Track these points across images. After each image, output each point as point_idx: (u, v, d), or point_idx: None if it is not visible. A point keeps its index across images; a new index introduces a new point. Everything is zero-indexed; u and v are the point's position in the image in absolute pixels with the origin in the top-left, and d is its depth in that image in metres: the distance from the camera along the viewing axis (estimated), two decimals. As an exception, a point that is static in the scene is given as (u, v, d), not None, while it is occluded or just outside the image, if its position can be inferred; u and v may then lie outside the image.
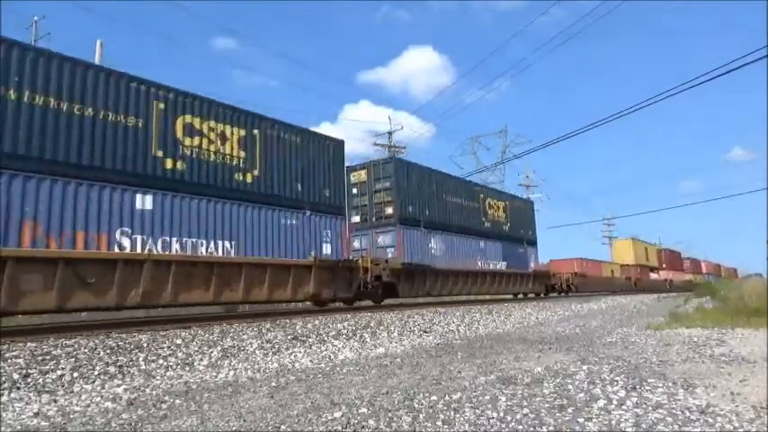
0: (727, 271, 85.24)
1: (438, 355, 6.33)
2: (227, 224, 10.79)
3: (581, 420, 3.11)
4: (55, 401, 4.24)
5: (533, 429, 2.98)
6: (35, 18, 24.92)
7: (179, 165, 10.22)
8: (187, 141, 10.44)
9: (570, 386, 4.05)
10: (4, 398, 4.33)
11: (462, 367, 5.20)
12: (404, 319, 10.78)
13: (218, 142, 11.01)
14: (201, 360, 6.11)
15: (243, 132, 11.57)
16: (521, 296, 24.59)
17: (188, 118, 10.51)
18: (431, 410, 3.44)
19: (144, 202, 9.53)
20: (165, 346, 6.66)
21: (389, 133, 40.13)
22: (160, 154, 9.94)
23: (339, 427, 3.13)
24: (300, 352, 6.88)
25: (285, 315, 11.70)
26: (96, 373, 5.27)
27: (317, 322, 9.58)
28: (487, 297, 22.00)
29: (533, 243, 25.43)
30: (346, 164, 15.25)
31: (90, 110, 8.96)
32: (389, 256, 15.75)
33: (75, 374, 5.14)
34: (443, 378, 4.61)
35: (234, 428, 3.22)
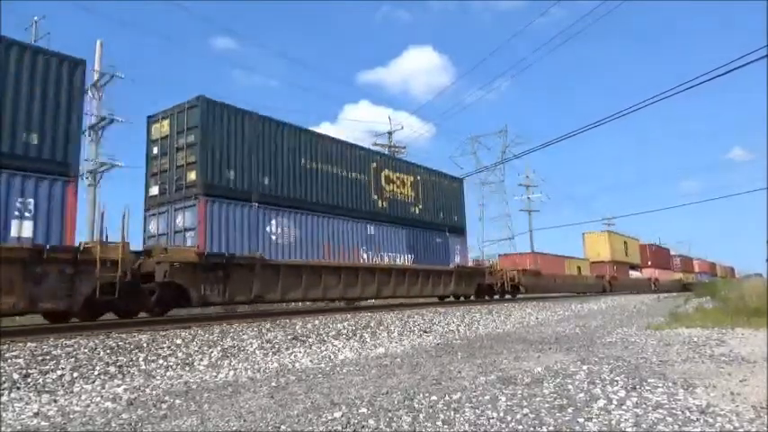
0: (724, 270, 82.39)
1: (438, 354, 6.33)
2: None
3: (581, 420, 3.11)
4: (55, 401, 4.24)
5: (533, 429, 2.98)
6: (35, 18, 24.92)
7: (383, 204, 16.15)
8: (387, 187, 16.50)
9: (570, 386, 4.05)
10: (4, 398, 4.33)
11: (462, 367, 5.20)
12: (404, 319, 10.78)
13: (401, 187, 17.21)
14: (201, 360, 6.11)
15: (412, 179, 17.83)
16: (462, 299, 19.65)
17: (386, 171, 16.68)
18: (431, 410, 3.44)
19: (370, 229, 15.51)
20: (165, 346, 6.66)
21: (389, 133, 40.13)
22: (375, 197, 15.90)
23: (339, 427, 3.13)
24: (300, 352, 6.87)
25: (285, 315, 11.70)
26: (96, 373, 5.27)
27: (316, 322, 9.58)
28: (379, 302, 17.59)
29: (460, 232, 20.06)
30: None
31: (341, 170, 14.83)
32: (189, 243, 11.08)
33: (75, 374, 5.14)
34: (443, 378, 4.61)
35: (234, 428, 3.22)
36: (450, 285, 18.22)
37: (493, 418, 3.22)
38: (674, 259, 56.39)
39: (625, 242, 42.02)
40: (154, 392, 4.55)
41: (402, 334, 8.94)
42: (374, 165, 16.07)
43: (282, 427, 3.20)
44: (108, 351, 6.16)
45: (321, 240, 13.70)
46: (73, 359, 5.66)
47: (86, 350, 6.12)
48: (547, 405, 3.48)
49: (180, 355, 6.26)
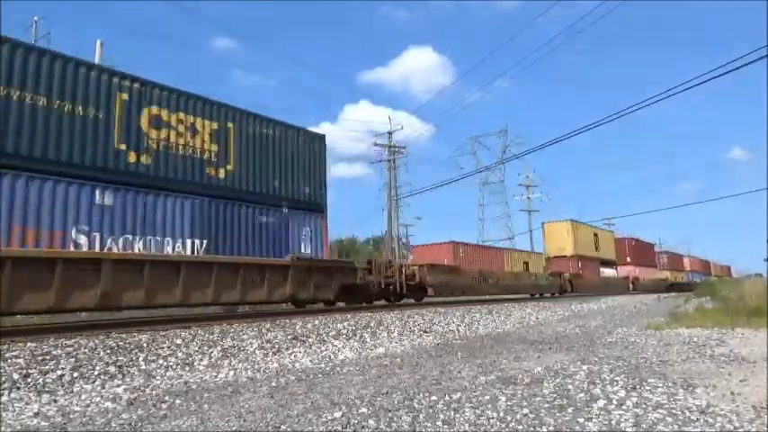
0: (720, 269, 78.33)
1: (438, 354, 6.33)
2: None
3: (581, 420, 3.11)
4: (55, 401, 4.25)
5: (533, 429, 2.98)
6: (35, 18, 24.91)
7: (141, 158, 9.73)
8: (154, 134, 10.02)
9: (570, 386, 4.05)
10: (4, 398, 4.33)
11: (462, 367, 5.20)
12: (404, 319, 10.78)
13: (188, 135, 10.61)
14: (201, 360, 6.11)
15: (215, 125, 11.23)
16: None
17: (153, 109, 10.07)
18: (431, 410, 3.44)
19: (104, 197, 9.06)
20: (165, 346, 6.66)
21: (389, 133, 40.15)
22: (121, 146, 9.47)
23: (339, 427, 3.13)
24: (300, 352, 6.88)
25: (285, 315, 11.70)
26: (96, 373, 5.27)
27: (316, 322, 9.58)
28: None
29: (316, 209, 13.53)
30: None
31: (43, 100, 8.47)
32: None
33: (75, 374, 5.14)
34: (443, 378, 4.61)
35: (234, 428, 3.22)
36: (286, 287, 11.78)
37: (493, 418, 3.22)
38: (660, 256, 51.38)
39: (595, 234, 35.98)
40: (154, 392, 4.55)
41: (402, 334, 8.94)
42: (124, 96, 9.68)
43: (282, 427, 3.20)
44: (108, 351, 6.16)
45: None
46: (73, 359, 5.67)
47: (86, 350, 6.12)
48: (547, 405, 3.48)
49: (180, 354, 6.26)
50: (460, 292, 20.70)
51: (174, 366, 5.76)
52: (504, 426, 3.06)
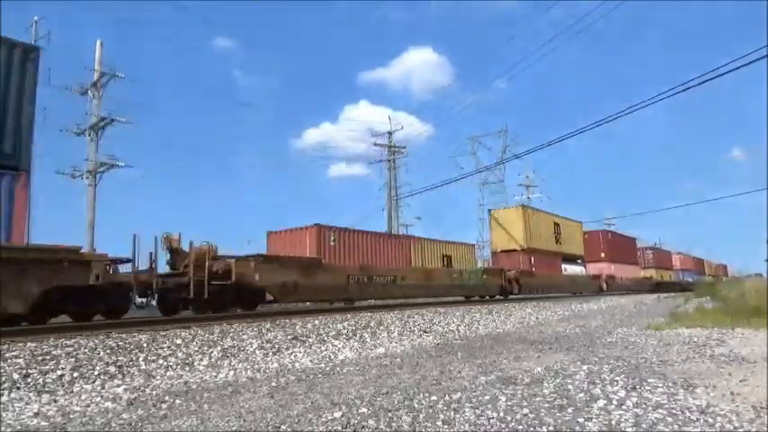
0: (715, 268, 73.32)
1: (438, 354, 6.33)
2: None
3: (581, 420, 3.11)
4: (55, 401, 4.25)
5: (533, 429, 2.98)
6: (35, 18, 24.88)
7: None
8: None
9: (570, 386, 4.05)
10: (4, 398, 4.33)
11: (462, 367, 5.20)
12: (404, 319, 10.78)
13: None
14: (201, 360, 6.11)
15: None
16: None
17: None
18: (431, 410, 3.44)
19: None
20: (165, 346, 6.66)
21: (389, 133, 40.12)
22: None
23: (339, 427, 3.13)
24: (300, 352, 6.88)
25: (285, 315, 11.70)
26: (96, 373, 5.27)
27: (316, 322, 9.58)
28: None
29: (6, 165, 8.51)
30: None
31: None
32: None
33: (75, 374, 5.14)
34: (443, 378, 4.61)
35: (234, 428, 3.22)
36: None
37: (493, 418, 3.22)
38: (645, 253, 46.57)
39: (557, 224, 30.26)
40: (154, 392, 4.55)
41: (402, 334, 8.94)
42: None
43: (282, 427, 3.20)
44: (108, 351, 6.16)
45: None
46: (73, 359, 5.67)
47: (86, 350, 6.12)
48: (547, 405, 3.48)
49: (180, 355, 6.26)
50: (328, 296, 15.23)
51: (174, 366, 5.76)
52: (504, 426, 3.06)
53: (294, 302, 14.47)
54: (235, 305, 12.06)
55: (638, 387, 3.95)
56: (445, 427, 3.08)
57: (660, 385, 4.01)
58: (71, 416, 3.77)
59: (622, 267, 37.88)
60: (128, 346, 6.52)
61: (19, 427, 3.51)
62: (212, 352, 6.53)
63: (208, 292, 10.71)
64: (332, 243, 16.54)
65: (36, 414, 3.84)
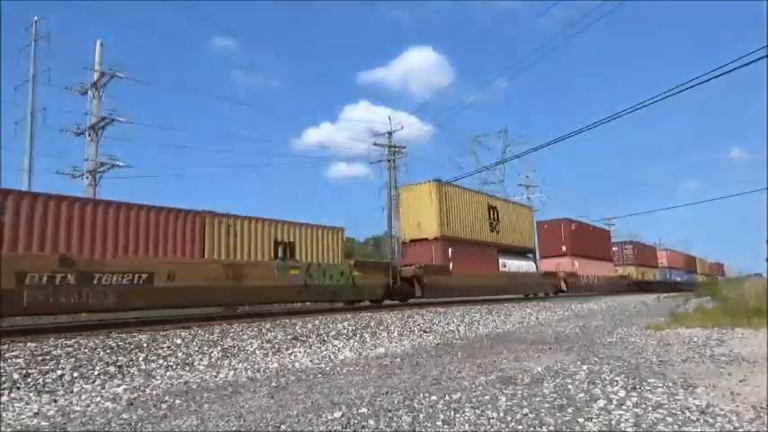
0: (709, 267, 68.59)
1: (438, 354, 6.33)
2: None
3: (581, 420, 3.11)
4: (55, 401, 4.25)
5: (533, 429, 2.98)
6: (35, 18, 24.91)
7: None
8: None
9: (570, 386, 4.05)
10: (4, 398, 4.33)
11: (462, 367, 5.20)
12: (404, 319, 10.78)
13: None
14: (201, 360, 6.11)
15: None
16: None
17: None
18: (431, 410, 3.44)
19: None
20: (165, 346, 6.66)
21: (389, 133, 40.10)
22: None
23: (339, 427, 3.13)
24: (300, 352, 6.87)
25: (285, 315, 11.70)
26: (96, 373, 5.27)
27: (316, 322, 9.58)
28: None
29: None
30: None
31: None
32: None
33: (75, 374, 5.14)
34: (443, 378, 4.61)
35: (234, 428, 3.22)
36: None
37: (493, 418, 3.22)
38: (623, 248, 41.58)
39: (492, 208, 23.21)
40: (154, 392, 4.55)
41: (402, 334, 8.94)
42: None
43: (282, 427, 3.20)
44: (108, 351, 6.16)
45: None
46: (73, 359, 5.67)
47: (86, 350, 6.12)
48: (547, 405, 3.48)
49: (180, 355, 6.26)
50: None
51: (174, 366, 5.76)
52: (504, 426, 3.06)
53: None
54: None
55: (638, 387, 3.95)
56: (445, 427, 3.08)
57: (660, 385, 4.01)
58: (71, 416, 3.77)
59: (590, 264, 31.79)
60: (128, 346, 6.52)
61: (19, 427, 3.51)
62: (212, 352, 6.53)
63: None
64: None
65: (36, 414, 3.84)
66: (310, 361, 6.22)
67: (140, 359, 5.91)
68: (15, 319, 10.59)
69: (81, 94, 26.16)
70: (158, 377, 5.27)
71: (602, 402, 3.50)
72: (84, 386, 4.81)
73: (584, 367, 4.90)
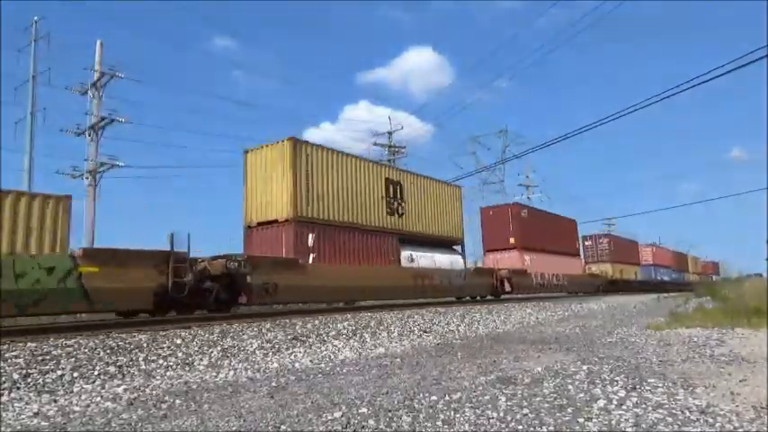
0: (702, 266, 64.29)
1: (438, 354, 6.33)
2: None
3: (581, 420, 3.11)
4: (55, 401, 4.25)
5: (533, 429, 2.98)
6: (35, 18, 24.91)
7: None
8: None
9: (570, 386, 4.05)
10: (4, 398, 4.33)
11: (462, 367, 5.20)
12: (404, 319, 10.78)
13: None
14: (201, 360, 6.11)
15: None
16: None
17: None
18: (431, 410, 3.44)
19: None
20: (165, 346, 6.66)
21: (389, 133, 40.15)
22: None
23: (339, 427, 3.13)
24: (300, 352, 6.87)
25: (285, 315, 11.69)
26: (96, 373, 5.27)
27: (316, 322, 9.58)
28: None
29: None
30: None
31: None
32: None
33: (76, 374, 5.14)
34: (443, 378, 4.61)
35: (234, 428, 3.22)
36: None
37: (493, 418, 3.22)
38: (597, 241, 36.24)
39: (392, 183, 17.50)
40: (154, 392, 4.55)
41: (402, 334, 8.94)
42: None
43: (282, 427, 3.20)
44: (108, 351, 6.16)
45: None
46: (73, 359, 5.67)
47: (86, 350, 6.12)
48: (547, 405, 3.48)
49: (180, 355, 6.26)
50: None
51: (174, 366, 5.76)
52: (504, 426, 3.06)
53: None
54: None
55: (638, 387, 3.95)
56: (445, 427, 3.08)
57: (660, 385, 4.01)
58: (71, 416, 3.77)
59: (549, 260, 26.19)
60: (128, 346, 6.51)
61: (19, 427, 3.51)
62: (212, 352, 6.53)
63: None
64: None
65: (36, 414, 3.84)
66: (310, 361, 6.22)
67: (140, 359, 5.91)
68: (16, 319, 10.56)
69: (81, 94, 26.16)
70: (158, 377, 5.27)
71: (602, 402, 3.50)
72: (85, 386, 4.81)
73: (585, 367, 4.90)
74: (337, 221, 14.89)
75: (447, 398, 3.77)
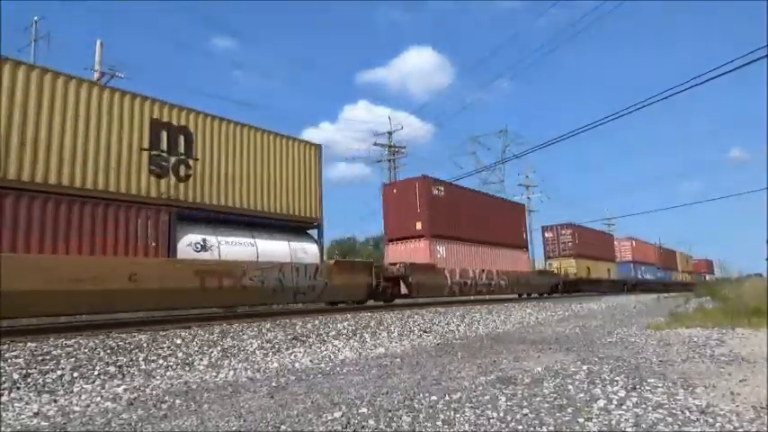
0: (695, 265, 59.58)
1: (438, 354, 6.33)
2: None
3: (581, 420, 3.11)
4: (55, 401, 4.25)
5: (533, 429, 2.98)
6: (35, 18, 24.89)
7: None
8: None
9: (570, 386, 4.05)
10: (4, 398, 4.33)
11: (462, 367, 5.20)
12: (404, 319, 10.78)
13: None
14: (201, 360, 6.11)
15: None
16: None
17: None
18: (431, 410, 3.44)
19: None
20: (165, 346, 6.66)
21: (389, 133, 40.15)
22: None
23: (339, 427, 3.13)
24: (300, 352, 6.88)
25: (285, 315, 11.69)
26: (96, 373, 5.27)
27: (316, 322, 9.58)
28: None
29: None
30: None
31: None
32: None
33: (76, 374, 5.14)
34: (443, 378, 4.61)
35: (234, 428, 3.22)
36: None
37: (493, 418, 3.22)
38: (559, 233, 31.24)
39: (164, 127, 10.91)
40: (154, 392, 4.55)
41: (402, 334, 8.94)
42: None
43: (282, 427, 3.20)
44: (108, 351, 6.16)
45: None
46: (73, 359, 5.67)
47: (86, 350, 6.12)
48: (547, 405, 3.48)
49: (180, 355, 6.26)
50: None
51: (174, 366, 5.76)
52: (504, 426, 3.06)
53: None
54: None
55: (638, 387, 3.95)
56: (445, 427, 3.08)
57: (660, 385, 4.01)
58: (71, 416, 3.77)
59: (479, 253, 20.38)
60: (128, 346, 6.52)
61: (19, 427, 3.51)
62: (212, 352, 6.53)
63: None
64: None
65: (36, 414, 3.84)
66: (310, 361, 6.23)
67: (140, 359, 5.91)
68: (16, 318, 10.59)
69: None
70: (158, 377, 5.28)
71: (602, 402, 3.50)
72: (84, 386, 4.81)
73: (584, 367, 4.90)
74: (48, 185, 8.97)
75: (447, 398, 3.77)
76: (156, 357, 6.04)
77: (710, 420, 3.08)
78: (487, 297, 21.73)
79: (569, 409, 3.35)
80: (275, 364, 5.98)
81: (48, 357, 5.65)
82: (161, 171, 10.93)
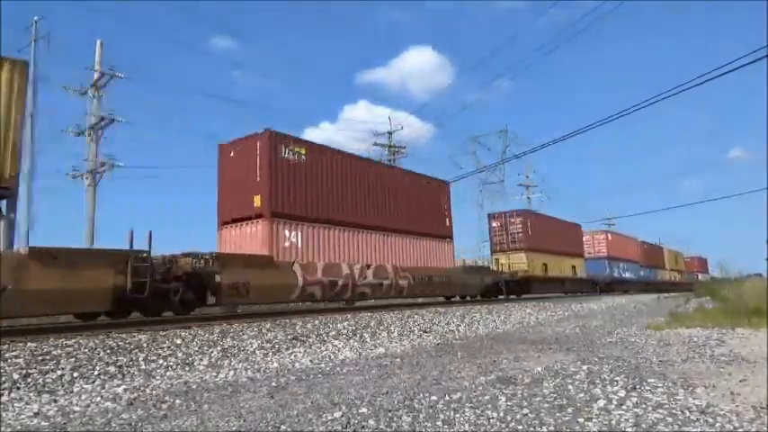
0: (687, 263, 55.07)
1: (438, 354, 6.33)
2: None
3: (581, 420, 3.11)
4: (55, 401, 4.24)
5: (533, 429, 2.98)
6: (35, 18, 24.87)
7: None
8: None
9: (570, 386, 4.05)
10: (4, 398, 4.33)
11: (462, 367, 5.20)
12: (404, 319, 10.78)
13: None
14: (201, 360, 6.11)
15: None
16: None
17: None
18: (431, 410, 3.44)
19: None
20: (165, 346, 6.66)
21: (389, 133, 40.16)
22: None
23: (339, 427, 3.13)
24: (300, 352, 6.87)
25: (285, 315, 11.70)
26: (96, 373, 5.27)
27: (316, 322, 9.58)
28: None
29: None
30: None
31: None
32: None
33: (75, 374, 5.14)
34: (443, 378, 4.61)
35: (234, 428, 3.22)
36: None
37: (493, 418, 3.22)
38: (508, 221, 25.72)
39: None
40: (154, 392, 4.55)
41: (402, 334, 8.94)
42: None
43: (282, 427, 3.20)
44: (108, 351, 6.16)
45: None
46: (73, 359, 5.66)
47: (86, 350, 6.12)
48: (547, 405, 3.48)
49: (180, 355, 6.26)
50: None
51: (174, 366, 5.76)
52: (504, 426, 3.06)
53: None
54: None
55: (638, 387, 3.95)
56: (445, 427, 3.08)
57: (660, 385, 4.01)
58: (71, 416, 3.77)
59: (367, 241, 15.26)
60: (128, 346, 6.51)
61: (19, 427, 3.51)
62: (212, 352, 6.52)
63: None
64: None
65: (36, 414, 3.84)
66: (310, 361, 6.22)
67: (140, 359, 5.91)
68: (16, 318, 10.60)
69: (81, 94, 26.15)
70: (158, 377, 5.27)
71: (602, 402, 3.50)
72: (85, 386, 4.81)
73: (584, 367, 4.90)
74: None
75: (447, 398, 3.77)
76: (156, 357, 6.04)
77: (710, 420, 3.08)
78: (368, 304, 15.98)
79: (569, 409, 3.35)
80: (275, 364, 5.98)
81: (48, 357, 5.65)
82: None
